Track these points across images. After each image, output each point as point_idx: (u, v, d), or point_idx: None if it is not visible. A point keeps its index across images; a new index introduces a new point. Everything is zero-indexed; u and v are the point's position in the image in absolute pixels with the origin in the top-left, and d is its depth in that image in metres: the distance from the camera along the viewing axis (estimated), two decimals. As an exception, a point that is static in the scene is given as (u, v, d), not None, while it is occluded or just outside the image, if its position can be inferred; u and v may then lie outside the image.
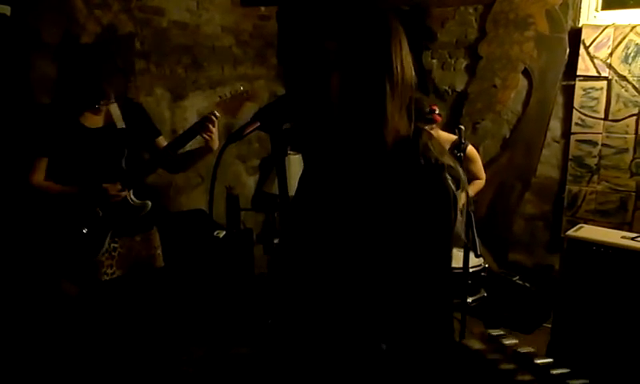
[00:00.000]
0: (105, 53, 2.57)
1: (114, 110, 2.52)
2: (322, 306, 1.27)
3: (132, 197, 2.54)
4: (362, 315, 1.22)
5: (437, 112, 3.20)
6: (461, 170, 1.20)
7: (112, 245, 2.52)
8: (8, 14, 2.83)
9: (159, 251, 2.74)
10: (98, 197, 2.45)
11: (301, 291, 1.32)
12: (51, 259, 2.46)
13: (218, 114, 2.44)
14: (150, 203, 2.60)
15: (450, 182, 1.16)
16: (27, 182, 2.45)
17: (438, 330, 1.23)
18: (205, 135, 2.44)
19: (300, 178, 1.39)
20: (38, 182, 2.46)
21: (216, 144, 2.48)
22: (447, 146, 3.17)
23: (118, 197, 2.48)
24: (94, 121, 2.50)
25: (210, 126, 2.42)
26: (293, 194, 1.37)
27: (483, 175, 3.37)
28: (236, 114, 2.42)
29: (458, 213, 1.19)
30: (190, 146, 2.54)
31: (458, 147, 2.79)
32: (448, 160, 1.19)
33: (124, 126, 2.53)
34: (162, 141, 2.69)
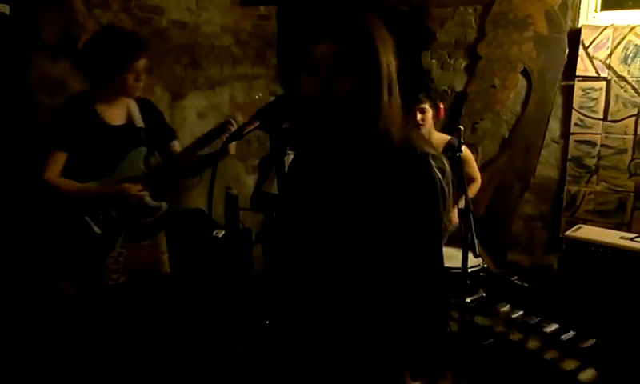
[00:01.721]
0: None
1: (133, 107, 2.44)
2: (312, 303, 1.28)
3: (148, 198, 2.46)
4: (352, 311, 1.22)
5: (442, 107, 3.22)
6: (445, 161, 1.21)
7: (119, 250, 2.43)
8: (7, 12, 2.83)
9: (165, 256, 2.66)
10: (116, 197, 2.35)
11: (293, 288, 1.33)
12: (59, 260, 2.36)
13: (235, 120, 2.40)
14: (165, 205, 2.52)
15: (435, 169, 1.17)
16: (38, 178, 2.28)
17: (431, 321, 1.24)
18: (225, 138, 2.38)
19: (288, 173, 1.38)
20: (51, 178, 2.28)
21: (233, 148, 2.43)
22: (441, 147, 3.17)
23: (137, 197, 2.39)
24: (114, 117, 2.40)
25: (231, 129, 2.38)
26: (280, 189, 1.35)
27: (478, 176, 3.36)
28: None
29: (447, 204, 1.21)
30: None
31: (453, 148, 2.79)
32: (431, 150, 1.21)
33: (143, 125, 2.45)
34: (176, 144, 2.60)
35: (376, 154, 1.17)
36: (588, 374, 2.68)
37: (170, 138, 2.60)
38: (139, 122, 2.45)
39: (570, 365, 2.73)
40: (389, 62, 1.16)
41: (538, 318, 3.14)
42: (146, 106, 2.53)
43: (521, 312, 3.24)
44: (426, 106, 3.13)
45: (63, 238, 2.37)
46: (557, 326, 3.01)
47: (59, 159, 2.31)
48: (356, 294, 1.21)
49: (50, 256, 2.38)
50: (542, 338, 2.95)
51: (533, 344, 2.92)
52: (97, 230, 2.37)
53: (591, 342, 2.63)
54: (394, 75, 1.18)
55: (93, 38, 2.39)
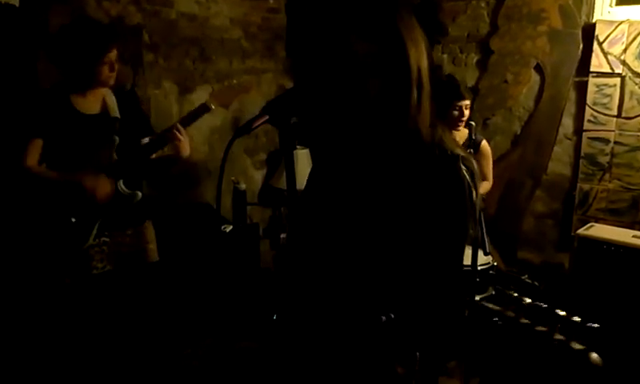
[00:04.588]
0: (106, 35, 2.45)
1: (109, 97, 2.50)
2: (329, 300, 1.26)
3: (122, 186, 2.51)
4: (369, 309, 1.21)
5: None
6: (474, 162, 1.19)
7: (102, 238, 2.48)
8: (17, 4, 2.83)
9: (152, 246, 2.69)
10: (81, 185, 2.40)
11: (306, 286, 1.31)
12: (39, 248, 2.41)
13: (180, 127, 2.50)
14: (140, 194, 2.57)
15: (464, 172, 1.15)
16: (20, 165, 2.38)
17: (449, 318, 1.22)
18: (175, 142, 2.48)
19: (309, 175, 1.37)
20: (31, 164, 2.39)
21: (186, 151, 2.51)
22: (462, 142, 3.15)
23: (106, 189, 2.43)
24: (89, 106, 2.47)
25: (177, 134, 2.47)
26: (301, 190, 1.35)
27: (491, 177, 3.34)
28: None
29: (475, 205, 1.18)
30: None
31: (474, 144, 2.78)
32: (461, 152, 1.18)
33: (118, 116, 2.50)
34: (146, 140, 2.67)
35: (403, 155, 1.15)
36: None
37: (145, 130, 2.65)
38: (114, 112, 2.50)
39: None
40: (419, 62, 1.12)
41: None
42: (125, 96, 2.58)
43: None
44: (469, 101, 3.16)
45: (43, 226, 2.42)
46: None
47: (36, 146, 2.41)
48: (373, 292, 1.20)
49: (35, 244, 2.42)
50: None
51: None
52: (72, 218, 2.42)
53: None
54: (426, 74, 1.15)
55: (64, 29, 2.43)
